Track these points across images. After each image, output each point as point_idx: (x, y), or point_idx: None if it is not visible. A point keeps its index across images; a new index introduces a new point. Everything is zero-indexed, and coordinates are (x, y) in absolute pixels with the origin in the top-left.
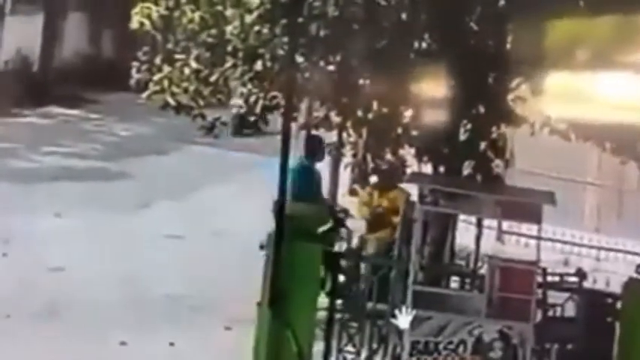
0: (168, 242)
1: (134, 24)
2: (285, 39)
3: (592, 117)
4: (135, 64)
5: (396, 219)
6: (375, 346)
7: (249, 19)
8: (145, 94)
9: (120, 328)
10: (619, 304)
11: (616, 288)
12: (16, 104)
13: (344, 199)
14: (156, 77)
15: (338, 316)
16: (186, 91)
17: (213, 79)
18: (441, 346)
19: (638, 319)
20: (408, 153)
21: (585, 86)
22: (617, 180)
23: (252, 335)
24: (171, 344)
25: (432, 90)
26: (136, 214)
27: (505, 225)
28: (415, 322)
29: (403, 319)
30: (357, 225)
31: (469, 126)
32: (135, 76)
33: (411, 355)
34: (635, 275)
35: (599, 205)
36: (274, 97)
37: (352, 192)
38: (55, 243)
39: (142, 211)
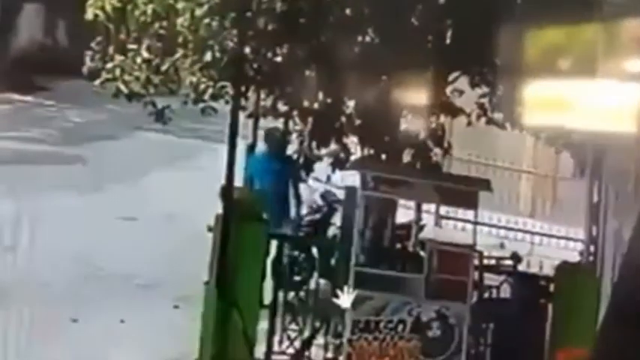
0: (119, 224)
1: (88, 15)
2: (234, 31)
3: (532, 110)
4: (88, 53)
5: None
6: (317, 324)
7: (199, 12)
8: (97, 82)
9: (72, 305)
10: (552, 286)
11: (549, 271)
12: None
13: None
14: (108, 66)
15: (282, 295)
16: (137, 79)
17: (163, 68)
18: (381, 325)
19: (570, 300)
20: (351, 141)
21: (525, 81)
22: (551, 168)
23: (199, 313)
24: (122, 321)
25: (374, 82)
26: (89, 197)
27: (443, 210)
28: (357, 302)
29: (345, 299)
30: None
31: (409, 116)
32: (88, 64)
33: (352, 333)
34: (567, 259)
35: (533, 192)
36: (223, 87)
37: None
38: (11, 223)
39: (95, 194)
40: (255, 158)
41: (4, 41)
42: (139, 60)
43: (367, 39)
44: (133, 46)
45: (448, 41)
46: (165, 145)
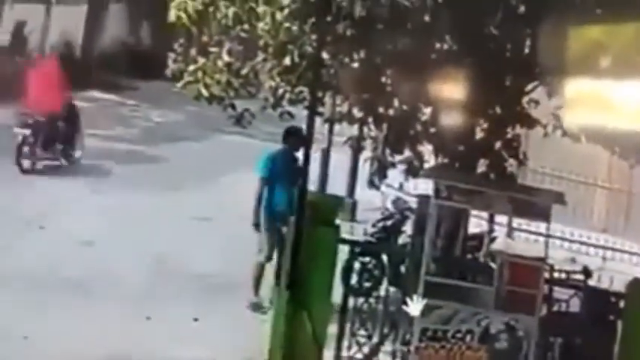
0: (196, 224)
1: (172, 17)
2: (313, 36)
3: (605, 122)
4: (171, 54)
5: None
6: (386, 331)
7: (279, 16)
8: (179, 84)
9: (146, 303)
10: (622, 303)
11: (620, 287)
12: None
13: (362, 192)
14: (190, 68)
15: (352, 300)
16: (218, 82)
17: (244, 72)
18: (449, 335)
19: None
20: (425, 149)
21: (601, 92)
22: (626, 183)
23: (270, 315)
24: (195, 320)
25: (451, 90)
26: (166, 196)
27: (516, 222)
28: (426, 311)
29: (414, 307)
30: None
31: (485, 125)
32: (171, 66)
33: (420, 341)
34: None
35: (607, 207)
36: (301, 92)
37: (371, 184)
38: (91, 220)
39: (173, 193)
40: (278, 154)
41: (90, 39)
42: (220, 63)
43: (445, 46)
44: (215, 49)
45: (526, 50)
46: (243, 147)
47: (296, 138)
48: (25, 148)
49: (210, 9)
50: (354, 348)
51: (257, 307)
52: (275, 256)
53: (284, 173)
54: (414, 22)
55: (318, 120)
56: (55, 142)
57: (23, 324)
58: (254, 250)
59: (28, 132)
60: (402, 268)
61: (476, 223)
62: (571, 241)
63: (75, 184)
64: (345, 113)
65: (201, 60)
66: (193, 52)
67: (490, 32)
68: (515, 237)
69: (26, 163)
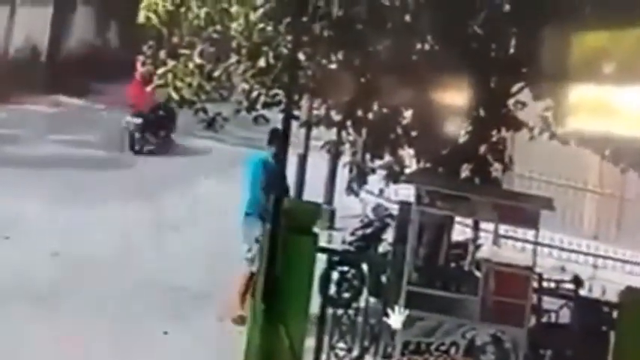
0: (166, 232)
1: (141, 18)
2: (289, 37)
3: (597, 126)
4: (140, 57)
5: None
6: (366, 344)
7: (253, 16)
8: (149, 88)
9: (114, 315)
10: (615, 314)
11: (612, 297)
12: (23, 92)
13: (341, 198)
14: (160, 71)
15: (330, 312)
16: (189, 85)
17: (216, 74)
18: (432, 347)
19: (634, 328)
20: (406, 154)
21: (593, 96)
22: (617, 188)
23: (245, 328)
24: (165, 333)
25: (433, 92)
26: (137, 204)
27: (502, 229)
28: (408, 322)
29: (396, 319)
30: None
31: (469, 128)
32: (140, 69)
33: (402, 354)
34: (632, 285)
35: (598, 213)
36: (276, 95)
37: (350, 190)
38: (58, 229)
39: (144, 200)
40: (267, 158)
41: (57, 42)
42: (191, 65)
43: (427, 47)
44: (186, 51)
45: (512, 51)
46: (215, 152)
47: (281, 140)
48: (137, 134)
49: (182, 9)
50: None
51: (243, 321)
52: None
53: (269, 177)
54: (394, 21)
55: (294, 124)
56: (159, 129)
57: None
58: (227, 259)
59: (139, 120)
60: (383, 278)
61: (460, 231)
62: (560, 249)
63: (40, 193)
64: (323, 117)
65: (171, 62)
66: (163, 54)
67: (474, 31)
68: (502, 244)
69: (137, 147)
